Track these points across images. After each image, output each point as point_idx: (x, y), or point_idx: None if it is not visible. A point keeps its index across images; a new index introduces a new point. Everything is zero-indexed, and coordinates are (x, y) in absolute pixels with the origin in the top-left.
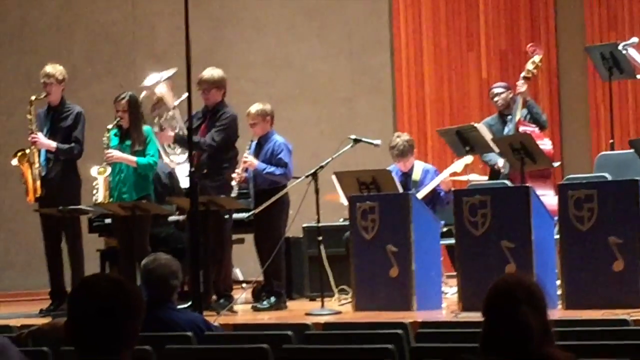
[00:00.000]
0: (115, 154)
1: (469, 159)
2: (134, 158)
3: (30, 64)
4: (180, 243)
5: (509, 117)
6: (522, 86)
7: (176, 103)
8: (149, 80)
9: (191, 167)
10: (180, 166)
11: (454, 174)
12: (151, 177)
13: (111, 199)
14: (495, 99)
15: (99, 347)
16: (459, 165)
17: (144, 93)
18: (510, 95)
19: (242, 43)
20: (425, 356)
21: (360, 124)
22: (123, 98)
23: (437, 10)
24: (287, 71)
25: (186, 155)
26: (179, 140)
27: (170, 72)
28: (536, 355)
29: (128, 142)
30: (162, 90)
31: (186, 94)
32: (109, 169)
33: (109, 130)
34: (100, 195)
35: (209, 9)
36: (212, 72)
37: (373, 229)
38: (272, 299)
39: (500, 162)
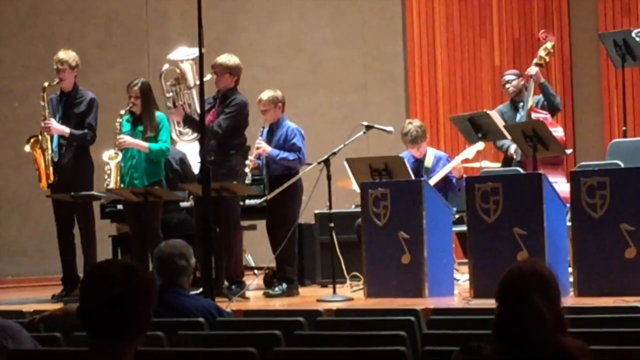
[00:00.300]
0: (128, 139)
1: (480, 145)
2: (146, 144)
3: (43, 50)
4: (192, 229)
5: (521, 104)
6: (532, 70)
7: (197, 83)
8: (175, 54)
9: (202, 152)
10: (190, 150)
11: (466, 160)
12: (163, 163)
13: (122, 185)
14: (507, 85)
15: (111, 332)
16: (470, 151)
17: (166, 66)
18: (522, 82)
19: (254, 30)
20: (437, 343)
21: (372, 111)
22: (136, 84)
23: None
24: (299, 58)
25: (194, 135)
26: (188, 121)
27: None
28: (548, 343)
29: (140, 128)
30: (186, 67)
31: (209, 76)
32: (120, 155)
33: (121, 116)
34: (112, 181)
35: None
36: (228, 58)
37: (385, 216)
38: (284, 285)
39: (513, 148)
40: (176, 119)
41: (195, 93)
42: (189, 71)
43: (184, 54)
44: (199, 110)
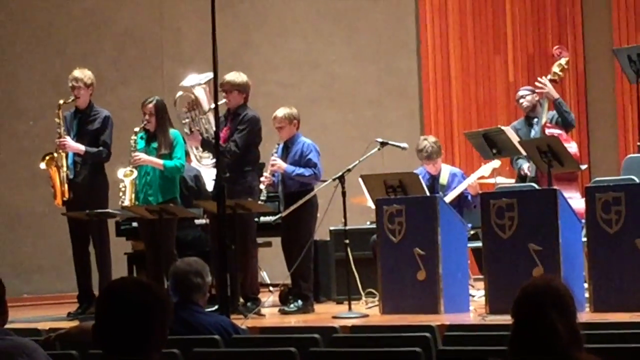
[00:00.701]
0: (143, 156)
1: (496, 163)
2: (161, 161)
3: (58, 68)
4: (207, 246)
5: (535, 120)
6: (544, 84)
7: (212, 106)
8: (187, 81)
9: (217, 169)
10: (207, 169)
11: (481, 177)
12: (178, 180)
13: (137, 202)
14: (521, 100)
15: (127, 350)
16: (486, 169)
17: (180, 93)
18: (536, 98)
19: (268, 46)
20: (453, 359)
21: (387, 127)
22: (150, 102)
23: (464, 13)
24: (313, 74)
25: (214, 159)
26: (206, 145)
27: (209, 76)
28: (564, 359)
29: (154, 145)
30: (199, 92)
31: (224, 100)
32: (135, 172)
33: (136, 133)
34: (127, 198)
35: (235, 12)
36: (235, 75)
37: (400, 232)
38: (300, 302)
39: (525, 165)
40: (194, 145)
41: (211, 116)
42: (202, 96)
43: (196, 80)
44: (212, 134)
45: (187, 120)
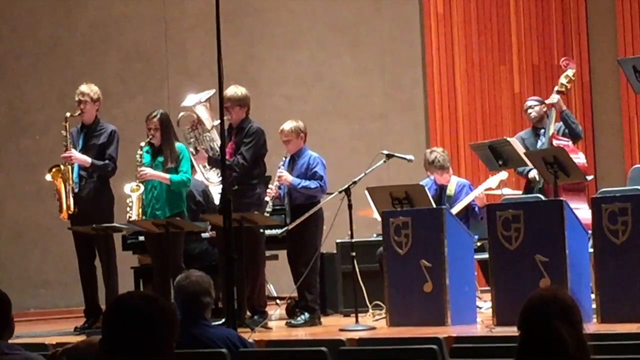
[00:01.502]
0: (149, 171)
1: (504, 175)
2: (167, 175)
3: (63, 82)
4: (214, 259)
5: (542, 130)
6: (553, 98)
7: (215, 124)
8: (188, 101)
9: (224, 182)
10: (213, 187)
11: (489, 189)
12: (184, 194)
13: (144, 217)
14: (529, 111)
15: None
16: (494, 181)
17: (182, 113)
18: (544, 109)
19: (274, 60)
20: None
21: (393, 139)
22: (155, 116)
23: (469, 25)
24: (319, 87)
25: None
26: (212, 162)
27: (209, 94)
28: None
29: (160, 159)
30: (201, 111)
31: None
32: (142, 187)
33: (141, 148)
34: (134, 213)
35: (241, 26)
36: (235, 90)
37: (406, 244)
38: (307, 315)
39: (533, 172)
40: (201, 164)
41: (214, 134)
42: (204, 114)
43: (196, 99)
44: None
45: (191, 140)
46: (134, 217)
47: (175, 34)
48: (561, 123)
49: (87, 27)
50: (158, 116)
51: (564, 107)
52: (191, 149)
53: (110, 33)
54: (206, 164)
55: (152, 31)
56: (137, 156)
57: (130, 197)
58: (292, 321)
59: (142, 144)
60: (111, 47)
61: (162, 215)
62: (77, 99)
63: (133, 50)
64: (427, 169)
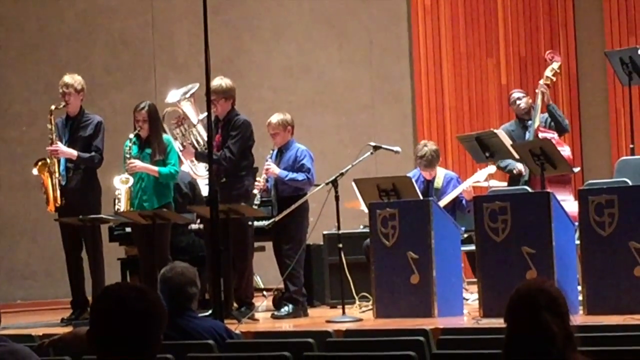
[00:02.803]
0: (138, 163)
1: (492, 168)
2: (156, 168)
3: (50, 74)
4: (201, 251)
5: (529, 122)
6: (544, 90)
7: (201, 117)
8: (171, 97)
9: (210, 174)
10: (202, 180)
11: (477, 182)
12: (172, 184)
13: (132, 208)
14: (518, 102)
15: (121, 355)
16: (482, 174)
17: (167, 109)
18: (530, 101)
19: (261, 51)
20: None
21: (380, 131)
22: (143, 108)
23: (456, 17)
24: (306, 79)
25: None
26: (200, 157)
27: (192, 88)
28: None
29: (148, 151)
30: (186, 107)
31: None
32: (131, 180)
33: (130, 140)
34: (122, 205)
35: (228, 17)
36: (220, 82)
37: (393, 236)
38: (290, 306)
39: (520, 165)
40: (188, 159)
41: (201, 127)
42: (189, 109)
43: (179, 94)
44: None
45: (178, 135)
46: (122, 209)
47: (162, 25)
48: (546, 114)
49: (74, 17)
50: (146, 108)
51: (550, 101)
52: (178, 145)
53: (97, 24)
54: (194, 159)
55: (139, 22)
56: (126, 148)
57: (119, 189)
58: (276, 313)
59: (131, 135)
60: (98, 38)
61: (150, 206)
62: (60, 90)
63: (120, 41)
64: (415, 162)
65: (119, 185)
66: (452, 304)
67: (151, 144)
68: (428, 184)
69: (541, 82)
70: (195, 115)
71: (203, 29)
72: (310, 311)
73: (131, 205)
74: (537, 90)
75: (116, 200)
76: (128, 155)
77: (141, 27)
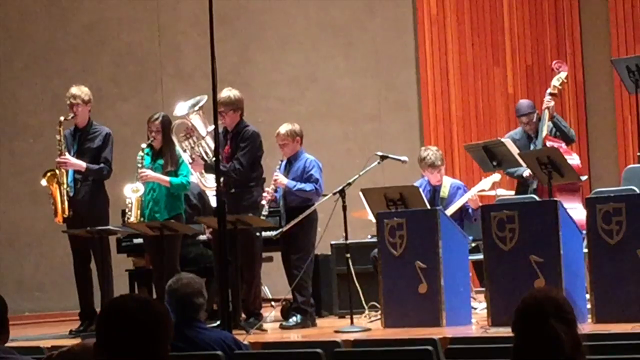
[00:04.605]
0: (149, 173)
1: (497, 177)
2: (168, 178)
3: (57, 85)
4: (209, 262)
5: (535, 133)
6: (549, 102)
7: (209, 129)
8: (179, 110)
9: (218, 185)
10: (210, 192)
11: (482, 191)
12: (182, 196)
13: (142, 219)
14: (530, 117)
15: None
16: (487, 182)
17: (176, 122)
18: (536, 116)
19: (268, 62)
20: None
21: (387, 140)
22: (157, 119)
23: (462, 26)
24: (313, 89)
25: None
26: (209, 169)
27: (200, 101)
28: None
29: (160, 162)
30: (195, 119)
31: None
32: (141, 189)
33: (142, 150)
34: (132, 215)
35: (234, 28)
36: (228, 94)
37: (401, 246)
38: (298, 317)
39: (527, 171)
40: (197, 171)
41: (210, 140)
42: (198, 122)
43: (187, 106)
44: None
45: (186, 148)
46: (132, 219)
47: (169, 37)
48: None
49: (81, 29)
50: (160, 119)
51: (554, 113)
52: (187, 157)
53: (104, 36)
54: (203, 171)
55: (146, 33)
56: (138, 158)
57: (130, 198)
58: (284, 323)
59: (143, 145)
60: (105, 50)
61: (161, 217)
62: (68, 102)
63: (126, 53)
64: (420, 167)
65: (130, 194)
66: (460, 313)
67: (164, 154)
68: (434, 193)
69: (548, 91)
70: (204, 127)
71: (209, 40)
72: (318, 321)
73: (142, 215)
74: (543, 107)
75: (126, 210)
76: (140, 165)
77: (147, 38)
